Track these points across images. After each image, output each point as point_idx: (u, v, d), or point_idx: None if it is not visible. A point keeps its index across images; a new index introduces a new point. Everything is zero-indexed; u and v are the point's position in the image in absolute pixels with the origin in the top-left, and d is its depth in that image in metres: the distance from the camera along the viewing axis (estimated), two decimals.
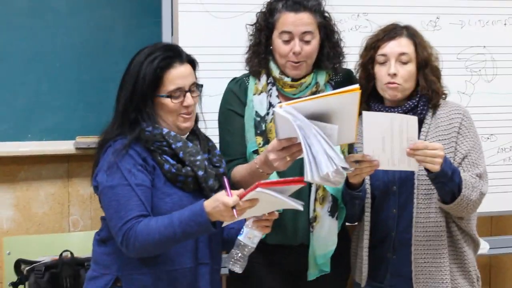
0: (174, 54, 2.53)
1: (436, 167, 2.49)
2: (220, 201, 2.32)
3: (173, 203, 2.48)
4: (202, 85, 2.58)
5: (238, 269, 2.44)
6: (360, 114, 2.52)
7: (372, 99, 2.75)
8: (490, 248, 3.69)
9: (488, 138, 3.66)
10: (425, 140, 2.66)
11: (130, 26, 3.72)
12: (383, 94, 2.72)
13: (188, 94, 2.51)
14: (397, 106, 2.70)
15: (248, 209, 2.33)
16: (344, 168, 2.33)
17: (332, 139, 2.33)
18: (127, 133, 2.50)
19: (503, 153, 3.74)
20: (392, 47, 2.70)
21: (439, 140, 2.70)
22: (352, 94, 2.37)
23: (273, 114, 2.48)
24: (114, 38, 3.72)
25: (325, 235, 2.77)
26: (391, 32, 2.73)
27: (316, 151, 2.29)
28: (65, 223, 3.75)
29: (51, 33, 3.65)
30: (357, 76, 2.83)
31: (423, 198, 2.70)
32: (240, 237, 2.45)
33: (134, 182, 2.44)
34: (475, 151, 2.73)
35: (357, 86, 2.40)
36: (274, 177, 2.63)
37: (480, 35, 3.67)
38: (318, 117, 2.34)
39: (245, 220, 2.46)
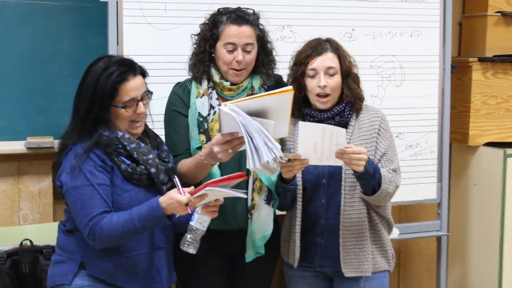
0: (128, 68, 2.70)
1: (360, 168, 2.75)
2: (174, 199, 2.53)
3: (130, 197, 2.67)
4: (152, 92, 2.77)
5: (192, 251, 2.65)
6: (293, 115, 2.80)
7: (303, 105, 2.97)
8: (399, 234, 3.95)
9: (397, 136, 3.87)
10: (350, 140, 2.91)
11: (76, 36, 3.81)
12: (314, 103, 2.94)
13: (140, 103, 2.70)
14: (326, 111, 2.94)
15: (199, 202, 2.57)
16: (280, 157, 2.61)
17: (269, 131, 2.58)
18: (86, 138, 2.66)
19: (410, 149, 4.01)
20: (320, 62, 2.91)
21: (362, 139, 2.95)
22: (286, 94, 2.63)
23: (218, 111, 2.68)
24: (62, 47, 3.81)
25: (263, 221, 2.99)
26: (317, 48, 2.94)
27: (257, 143, 2.55)
28: (15, 217, 3.80)
29: (1, 41, 3.72)
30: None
31: (349, 190, 2.93)
32: (191, 223, 2.65)
33: (96, 182, 2.61)
34: (391, 149, 3.00)
35: (291, 87, 2.65)
36: (215, 168, 2.87)
37: (390, 45, 3.93)
38: (257, 114, 2.59)
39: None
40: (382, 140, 3.00)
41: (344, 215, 2.94)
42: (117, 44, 3.46)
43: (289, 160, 2.73)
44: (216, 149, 2.67)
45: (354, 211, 2.96)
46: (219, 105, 2.84)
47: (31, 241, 3.46)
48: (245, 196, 2.69)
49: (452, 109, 4.22)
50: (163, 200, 2.57)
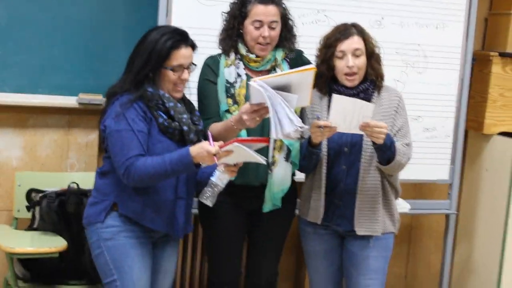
0: (183, 38, 2.97)
1: (380, 141, 3.03)
2: (204, 149, 2.80)
3: (163, 148, 2.93)
4: (196, 65, 3.05)
5: (209, 203, 2.91)
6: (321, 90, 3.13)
7: (332, 82, 3.22)
8: (410, 209, 4.15)
9: (415, 119, 4.12)
10: (371, 115, 3.06)
11: (129, 6, 4.09)
12: (342, 82, 3.19)
13: (186, 71, 2.97)
14: (352, 88, 3.19)
15: (224, 158, 2.84)
16: (300, 127, 2.89)
17: (292, 104, 2.88)
18: (133, 91, 2.93)
19: (427, 132, 4.24)
20: (348, 45, 3.16)
21: (382, 115, 3.18)
22: (309, 72, 2.92)
23: (248, 85, 2.96)
24: (115, 16, 4.09)
25: (281, 175, 3.25)
26: (345, 32, 3.18)
27: (281, 116, 2.85)
28: (63, 165, 4.10)
29: (64, 7, 4.01)
30: (315, 63, 3.22)
31: (368, 159, 3.19)
32: (212, 178, 2.90)
33: (136, 129, 2.88)
34: (406, 125, 3.27)
35: (313, 65, 2.94)
36: (243, 133, 3.14)
37: (416, 35, 4.13)
38: (282, 88, 2.88)
39: (217, 165, 2.90)
40: (399, 117, 3.26)
41: (362, 181, 3.20)
42: (166, 16, 3.74)
43: (319, 126, 3.03)
44: (245, 117, 2.97)
45: (370, 178, 3.22)
46: (247, 79, 3.15)
47: (77, 184, 3.78)
48: (264, 163, 2.95)
49: (471, 98, 4.42)
50: (194, 149, 2.83)
